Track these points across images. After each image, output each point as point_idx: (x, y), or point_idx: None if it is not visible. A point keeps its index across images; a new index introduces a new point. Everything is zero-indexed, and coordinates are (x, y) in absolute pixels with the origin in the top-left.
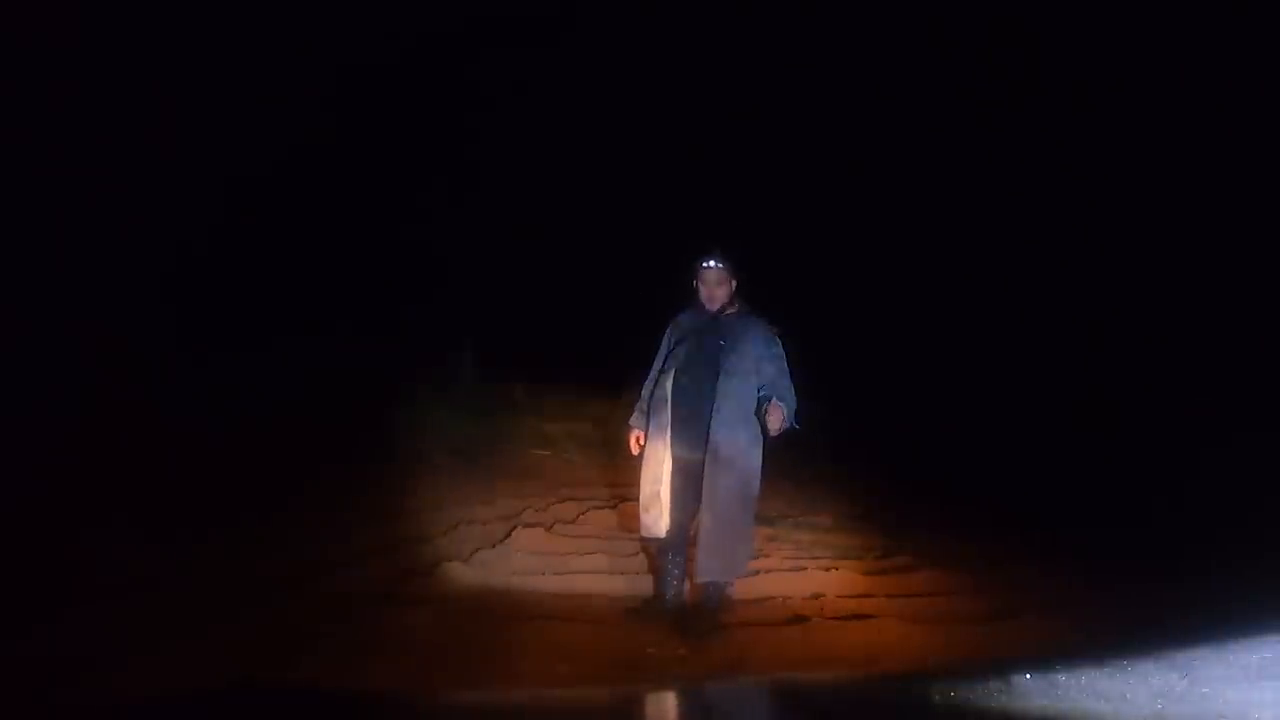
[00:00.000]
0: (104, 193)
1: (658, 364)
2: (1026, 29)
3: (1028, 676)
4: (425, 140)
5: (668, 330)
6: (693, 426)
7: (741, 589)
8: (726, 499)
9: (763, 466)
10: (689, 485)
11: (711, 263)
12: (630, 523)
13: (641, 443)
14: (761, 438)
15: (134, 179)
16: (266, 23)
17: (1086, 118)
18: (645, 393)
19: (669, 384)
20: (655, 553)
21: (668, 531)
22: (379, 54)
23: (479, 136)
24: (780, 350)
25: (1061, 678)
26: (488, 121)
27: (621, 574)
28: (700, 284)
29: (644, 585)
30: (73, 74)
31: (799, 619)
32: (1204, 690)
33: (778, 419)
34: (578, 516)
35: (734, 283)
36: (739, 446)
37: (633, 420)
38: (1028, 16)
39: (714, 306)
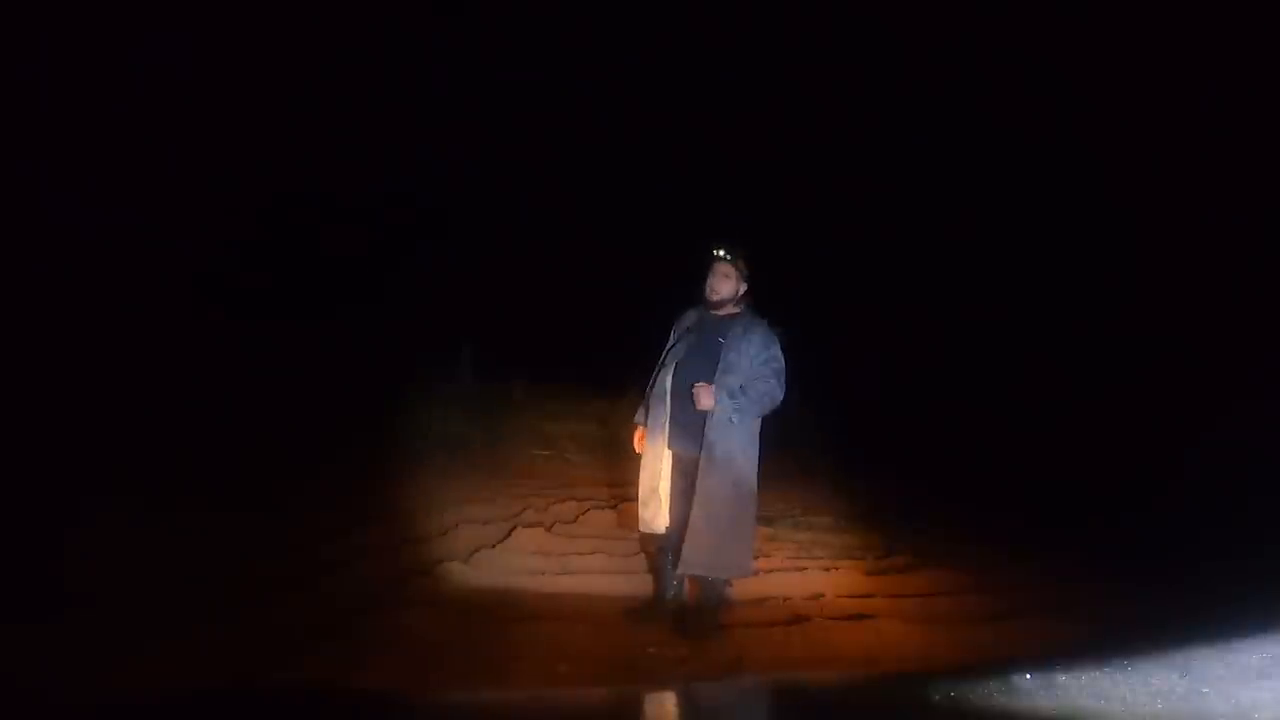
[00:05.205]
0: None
1: (661, 360)
2: (1028, 29)
3: (1028, 676)
4: (425, 138)
5: (672, 328)
6: (690, 424)
7: (741, 589)
8: (718, 496)
9: (760, 465)
10: (687, 483)
11: (722, 252)
12: (630, 522)
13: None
14: (758, 437)
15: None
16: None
17: (1083, 116)
18: (649, 389)
19: (668, 380)
20: (655, 551)
21: (667, 528)
22: (382, 53)
23: (479, 134)
24: (778, 353)
25: (1061, 678)
26: (488, 119)
27: (621, 574)
28: (708, 272)
29: (644, 585)
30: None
31: (799, 619)
32: (1204, 690)
33: (705, 397)
34: (578, 516)
35: (742, 285)
36: (734, 445)
37: (637, 417)
38: (1029, 17)
39: (715, 298)
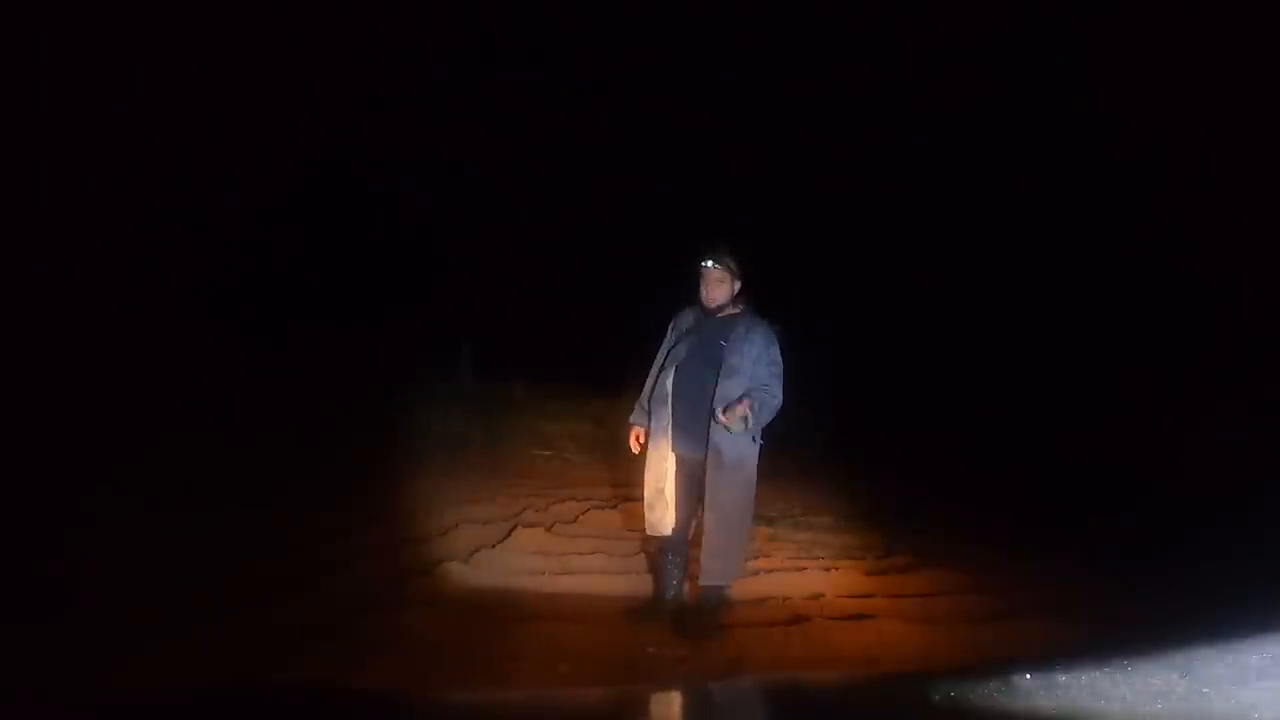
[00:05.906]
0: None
1: (659, 361)
2: (1029, 27)
3: (1028, 676)
4: (425, 139)
5: (670, 327)
6: (693, 426)
7: (741, 589)
8: (729, 501)
9: (758, 466)
10: (691, 485)
11: (710, 263)
12: (630, 522)
13: (641, 440)
14: (758, 439)
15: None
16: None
17: (1080, 116)
18: (646, 390)
19: (669, 382)
20: (655, 552)
21: (672, 530)
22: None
23: (479, 133)
24: (778, 355)
25: (1061, 678)
26: (487, 118)
27: (621, 574)
28: (701, 283)
29: (644, 585)
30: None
31: (799, 619)
32: (1204, 690)
33: (735, 415)
34: (578, 516)
35: (736, 283)
36: (740, 448)
37: (633, 417)
38: (1030, 16)
39: (712, 305)
